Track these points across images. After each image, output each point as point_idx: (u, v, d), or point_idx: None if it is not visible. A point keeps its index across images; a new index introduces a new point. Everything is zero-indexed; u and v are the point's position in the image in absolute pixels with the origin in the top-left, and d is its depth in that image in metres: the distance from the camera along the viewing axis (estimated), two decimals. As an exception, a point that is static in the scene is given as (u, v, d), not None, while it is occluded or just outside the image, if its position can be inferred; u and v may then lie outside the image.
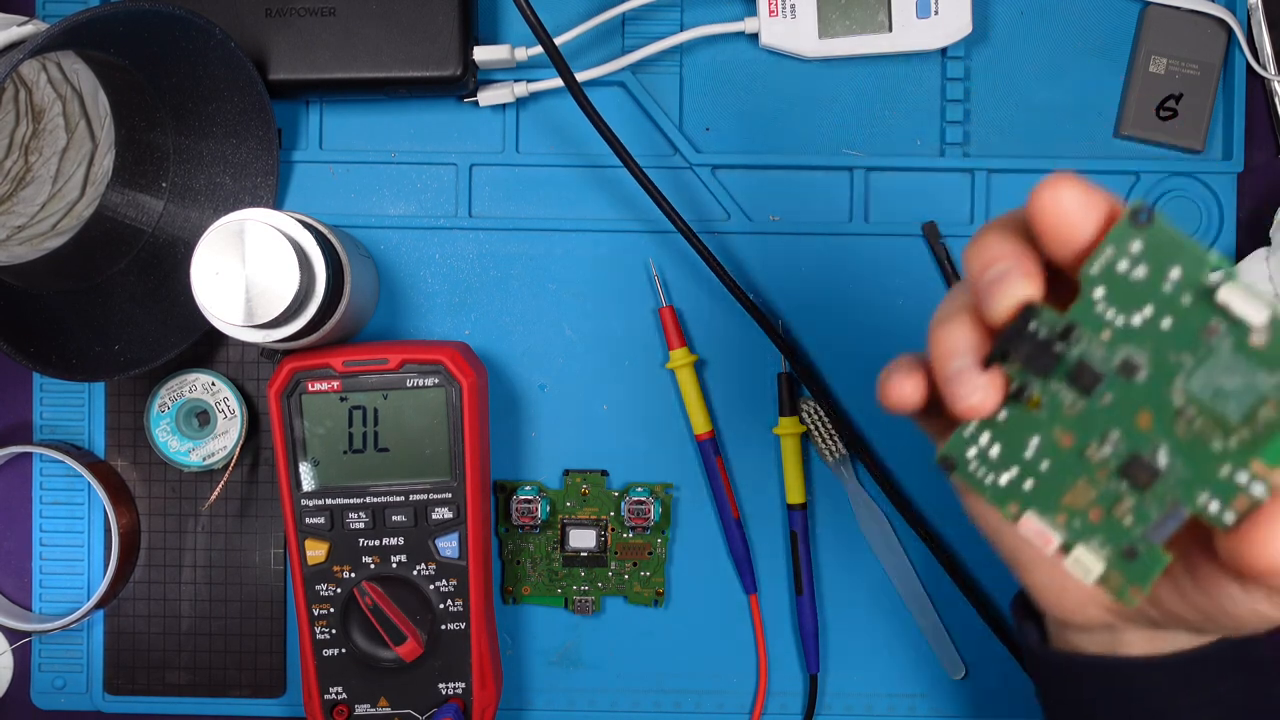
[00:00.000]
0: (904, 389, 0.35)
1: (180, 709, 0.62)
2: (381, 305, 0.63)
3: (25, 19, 0.54)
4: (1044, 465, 0.34)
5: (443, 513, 0.56)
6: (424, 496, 0.56)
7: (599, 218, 0.62)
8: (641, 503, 0.60)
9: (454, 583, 0.56)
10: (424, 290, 0.62)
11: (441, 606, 0.57)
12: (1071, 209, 0.31)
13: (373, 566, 0.56)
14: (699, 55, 0.62)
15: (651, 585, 0.62)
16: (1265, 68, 0.60)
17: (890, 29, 0.60)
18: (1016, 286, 0.32)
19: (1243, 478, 0.31)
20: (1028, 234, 0.34)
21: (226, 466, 0.61)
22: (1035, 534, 0.34)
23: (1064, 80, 0.62)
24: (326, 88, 0.59)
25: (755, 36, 0.61)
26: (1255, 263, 0.57)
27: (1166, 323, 0.31)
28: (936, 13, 0.59)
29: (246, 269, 0.51)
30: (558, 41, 0.58)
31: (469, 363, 0.57)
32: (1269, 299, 0.30)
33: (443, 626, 0.57)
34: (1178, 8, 0.60)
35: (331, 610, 0.57)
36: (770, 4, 0.60)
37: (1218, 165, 0.61)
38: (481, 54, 0.59)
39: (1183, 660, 0.39)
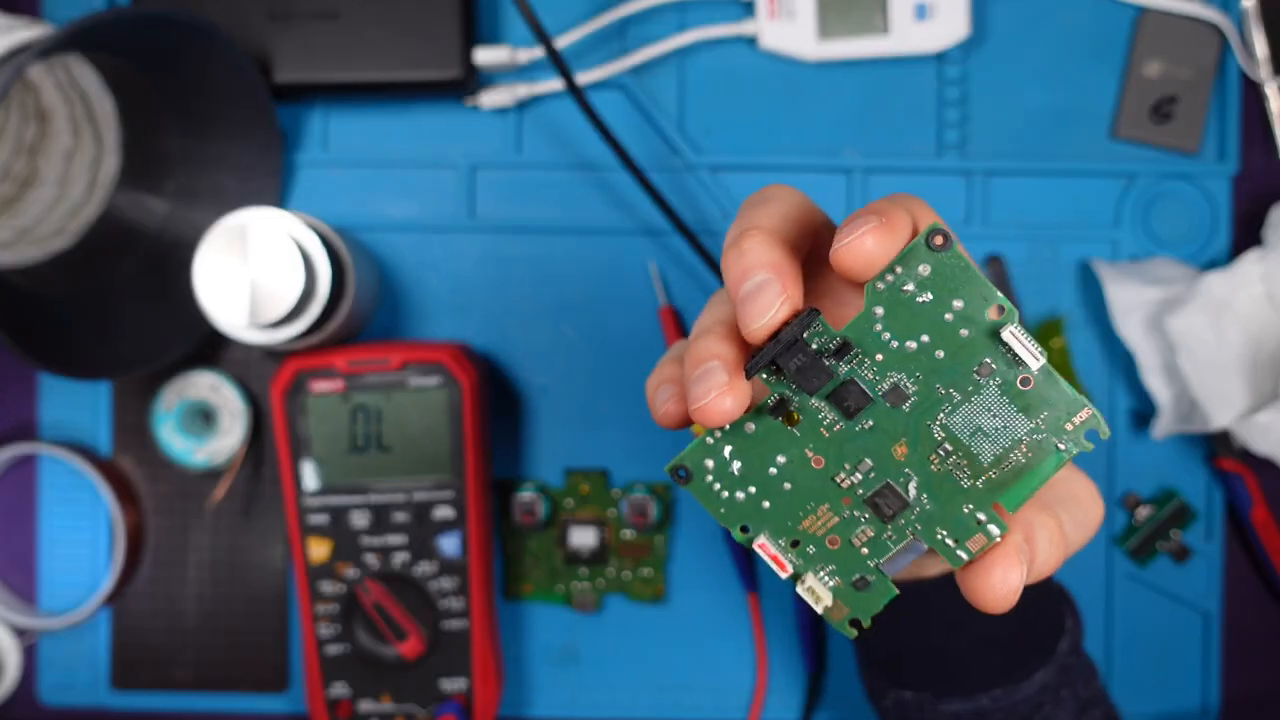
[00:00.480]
0: (669, 408, 0.33)
1: (185, 704, 0.63)
2: (384, 306, 0.63)
3: (30, 22, 0.55)
4: (786, 486, 0.32)
5: (444, 511, 0.57)
6: (426, 495, 0.57)
7: (600, 219, 0.62)
8: (642, 502, 0.61)
9: (455, 580, 0.57)
10: (426, 291, 0.63)
11: (443, 604, 0.57)
12: (875, 254, 0.30)
13: (375, 564, 0.57)
14: (699, 58, 0.62)
15: (652, 583, 0.62)
16: (1258, 71, 0.61)
17: (888, 32, 0.60)
18: (776, 302, 0.30)
19: (982, 516, 0.31)
20: (788, 234, 0.33)
21: (230, 466, 0.62)
22: (769, 558, 0.33)
23: (1060, 83, 0.62)
24: (329, 90, 0.60)
25: (755, 39, 0.61)
26: (1249, 264, 0.58)
27: (941, 354, 0.30)
28: (934, 16, 0.60)
29: (250, 270, 0.52)
30: (558, 44, 0.59)
31: (471, 362, 0.57)
32: (1043, 351, 0.30)
33: (444, 624, 0.57)
34: (1172, 11, 0.61)
35: (335, 608, 0.57)
36: (770, 7, 0.60)
37: (1212, 167, 0.61)
38: (483, 56, 0.59)
39: None
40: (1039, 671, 0.45)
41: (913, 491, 0.31)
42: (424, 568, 0.57)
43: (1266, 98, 0.61)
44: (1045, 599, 0.46)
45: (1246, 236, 0.62)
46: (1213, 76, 0.61)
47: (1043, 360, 0.30)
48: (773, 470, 0.32)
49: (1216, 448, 0.61)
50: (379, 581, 0.57)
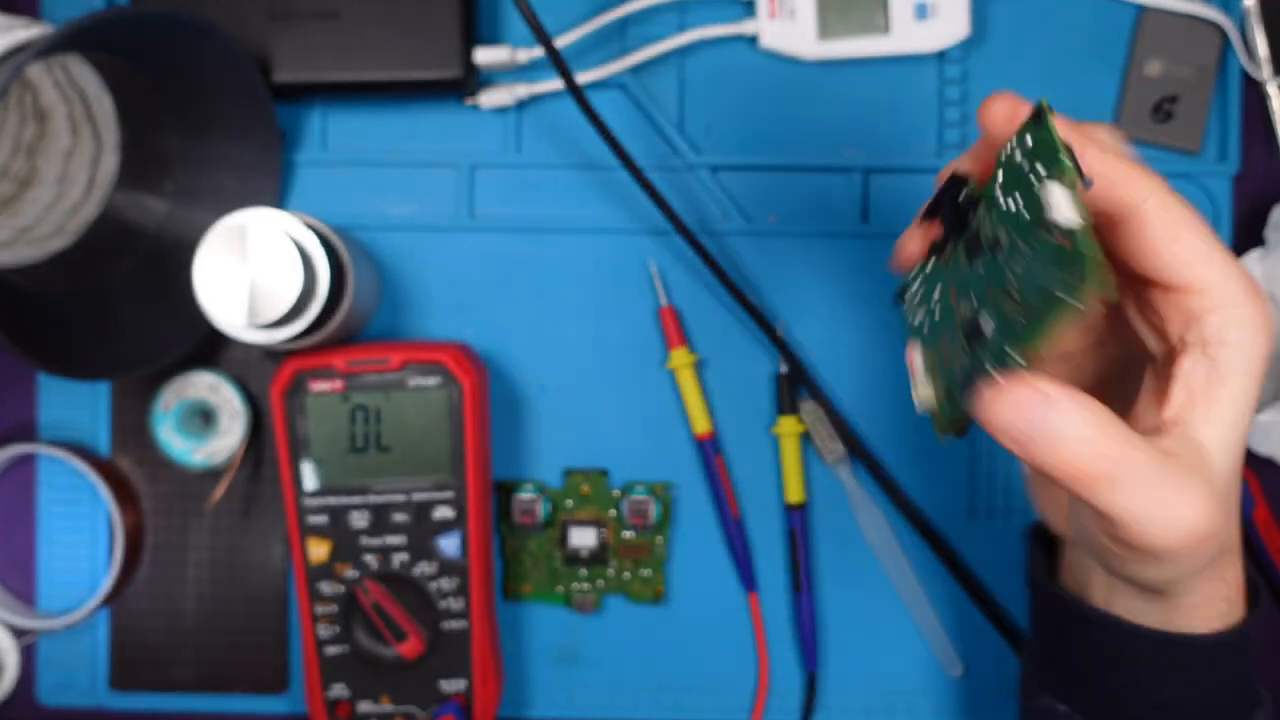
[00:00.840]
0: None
1: (184, 705, 0.63)
2: (383, 306, 0.63)
3: (29, 21, 0.55)
4: (938, 312, 0.39)
5: (444, 512, 0.57)
6: (425, 495, 0.57)
7: (599, 219, 0.62)
8: (641, 502, 0.61)
9: (455, 581, 0.57)
10: (425, 291, 0.63)
11: (443, 605, 0.57)
12: (1002, 117, 0.37)
13: (375, 565, 0.57)
14: (699, 57, 0.62)
15: (652, 584, 0.62)
16: (1260, 70, 0.61)
17: (888, 31, 0.60)
18: (956, 162, 0.39)
19: (1012, 351, 0.34)
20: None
21: (230, 466, 0.61)
22: (912, 363, 0.40)
23: (1060, 82, 0.62)
24: (329, 90, 0.60)
25: (755, 39, 0.61)
26: (1250, 264, 0.58)
27: (1024, 212, 0.34)
28: (935, 15, 0.60)
29: (249, 270, 0.52)
30: (558, 44, 0.59)
31: (470, 363, 0.57)
32: (1086, 217, 0.31)
33: (444, 625, 0.57)
34: (1173, 11, 0.60)
35: (334, 608, 0.57)
36: (770, 6, 0.60)
37: (1213, 167, 0.61)
38: (482, 56, 0.59)
39: (1191, 644, 0.40)
40: None
41: (988, 327, 0.35)
42: (424, 568, 0.57)
43: (1268, 97, 0.61)
44: (1241, 700, 0.43)
45: (1248, 236, 0.62)
46: (1214, 76, 0.61)
47: (1083, 221, 0.32)
48: (934, 300, 0.39)
49: (1218, 448, 0.61)
50: (378, 582, 0.57)
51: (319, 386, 0.56)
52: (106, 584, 0.61)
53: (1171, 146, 0.61)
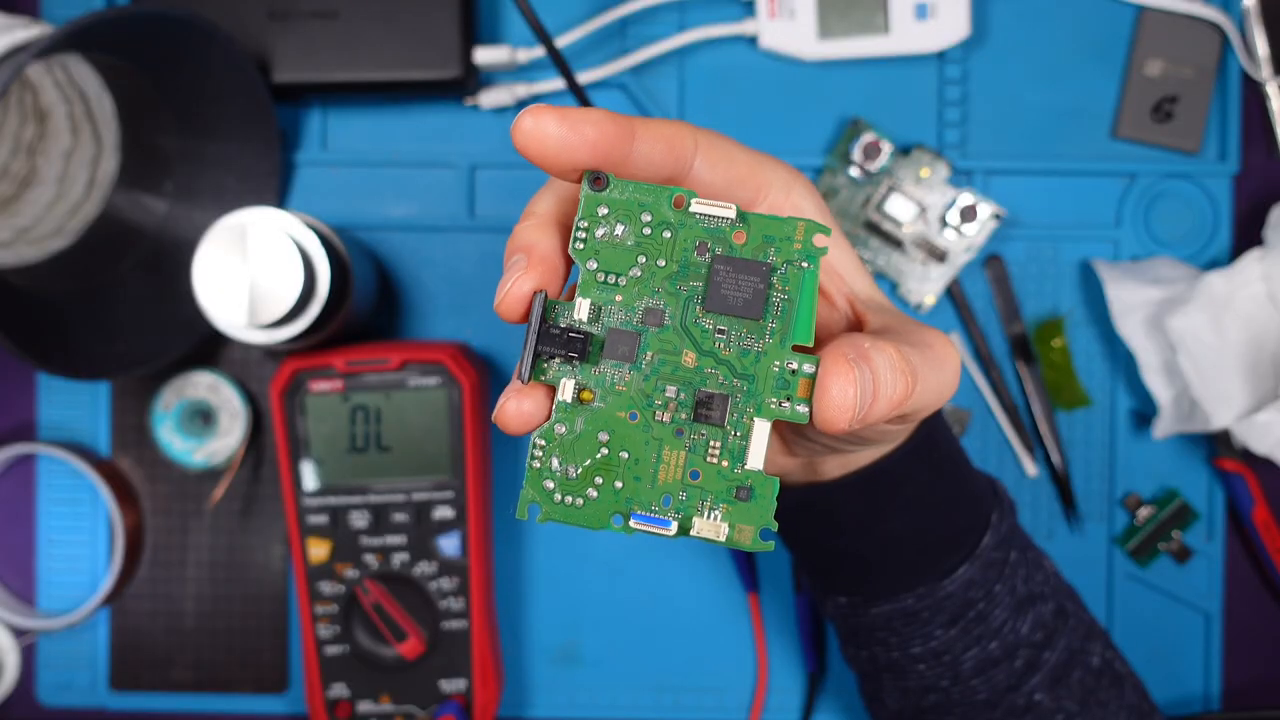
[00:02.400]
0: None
1: (184, 705, 0.63)
2: (383, 306, 0.63)
3: (29, 21, 0.55)
4: (624, 455, 0.32)
5: (444, 511, 0.57)
6: (425, 495, 0.57)
7: (599, 219, 0.62)
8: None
9: (455, 581, 0.57)
10: (426, 291, 0.63)
11: (443, 605, 0.57)
12: (548, 137, 0.31)
13: (375, 565, 0.57)
14: (699, 57, 0.62)
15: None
16: (1259, 70, 0.61)
17: (888, 31, 0.60)
18: (514, 289, 0.32)
19: (793, 366, 0.31)
20: (559, 220, 0.34)
21: (230, 466, 0.61)
22: (649, 527, 0.32)
23: (1060, 82, 0.62)
24: (329, 90, 0.60)
25: (755, 39, 0.61)
26: (1249, 263, 0.58)
27: (662, 261, 0.31)
28: (934, 15, 0.60)
29: (249, 270, 0.52)
30: (558, 43, 0.59)
31: (470, 363, 0.57)
32: (729, 204, 0.31)
33: (444, 624, 0.57)
34: (1173, 11, 0.60)
35: (334, 608, 0.57)
36: (770, 6, 0.60)
37: (1213, 167, 0.61)
38: (482, 56, 0.59)
39: (877, 469, 0.43)
40: (961, 568, 0.46)
41: (723, 384, 0.32)
42: (424, 568, 0.57)
43: (1268, 97, 0.61)
44: (959, 498, 0.46)
45: (1247, 236, 0.62)
46: (1214, 76, 0.61)
47: (733, 209, 0.31)
48: (603, 450, 0.32)
49: (1217, 448, 0.61)
50: (378, 582, 0.57)
51: (319, 386, 0.56)
52: (106, 584, 0.61)
53: (1171, 146, 0.61)
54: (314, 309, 0.54)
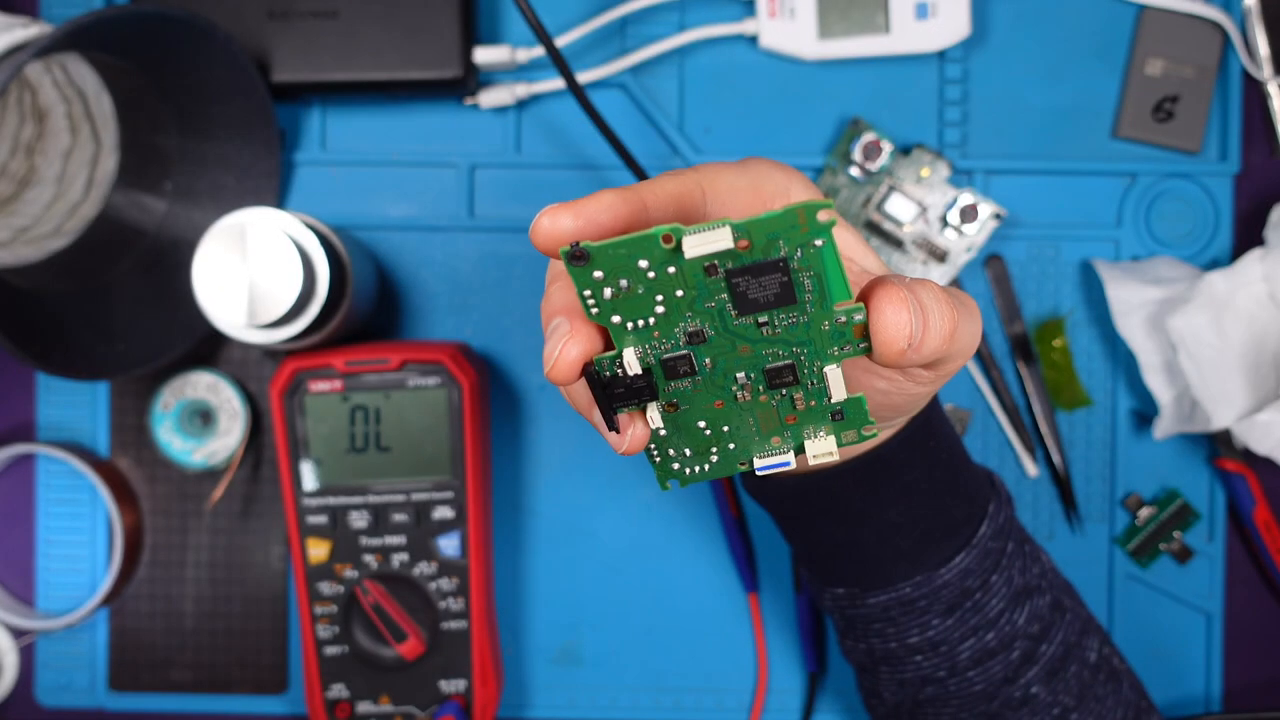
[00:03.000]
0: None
1: (183, 706, 0.63)
2: (383, 305, 0.63)
3: (28, 21, 0.55)
4: (725, 429, 0.35)
5: (444, 512, 0.56)
6: (425, 495, 0.56)
7: (599, 218, 0.62)
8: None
9: (455, 581, 0.57)
10: (425, 291, 0.63)
11: (443, 605, 0.57)
12: (564, 232, 0.33)
13: (374, 565, 0.57)
14: (699, 57, 0.62)
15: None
16: (1261, 70, 0.61)
17: (889, 31, 0.60)
18: (561, 357, 0.33)
19: (842, 319, 0.33)
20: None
21: (229, 466, 0.61)
22: (771, 469, 0.36)
23: (1061, 82, 0.62)
24: (329, 89, 0.59)
25: (755, 38, 0.61)
26: (1250, 263, 0.58)
27: (680, 294, 0.32)
28: (935, 15, 0.60)
29: (249, 270, 0.52)
30: (558, 43, 0.59)
31: (470, 363, 0.57)
32: (721, 222, 0.31)
33: (444, 625, 0.57)
34: (1174, 10, 0.60)
35: (334, 608, 0.57)
36: (770, 6, 0.60)
37: (1214, 167, 0.61)
38: (482, 56, 0.59)
39: (875, 457, 0.44)
40: (958, 557, 0.46)
41: (785, 357, 0.34)
42: (423, 568, 0.57)
43: (1268, 96, 0.61)
44: (956, 488, 0.47)
45: (1248, 236, 0.62)
46: (1215, 75, 0.61)
47: (728, 229, 0.31)
48: (708, 432, 0.35)
49: (1218, 448, 0.61)
50: (378, 582, 0.57)
51: (318, 386, 0.56)
52: (105, 584, 0.61)
53: (1172, 146, 0.61)
54: (313, 309, 0.54)
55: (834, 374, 0.34)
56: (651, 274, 0.32)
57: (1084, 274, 0.62)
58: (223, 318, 0.52)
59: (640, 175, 0.58)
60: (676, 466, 0.36)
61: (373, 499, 0.57)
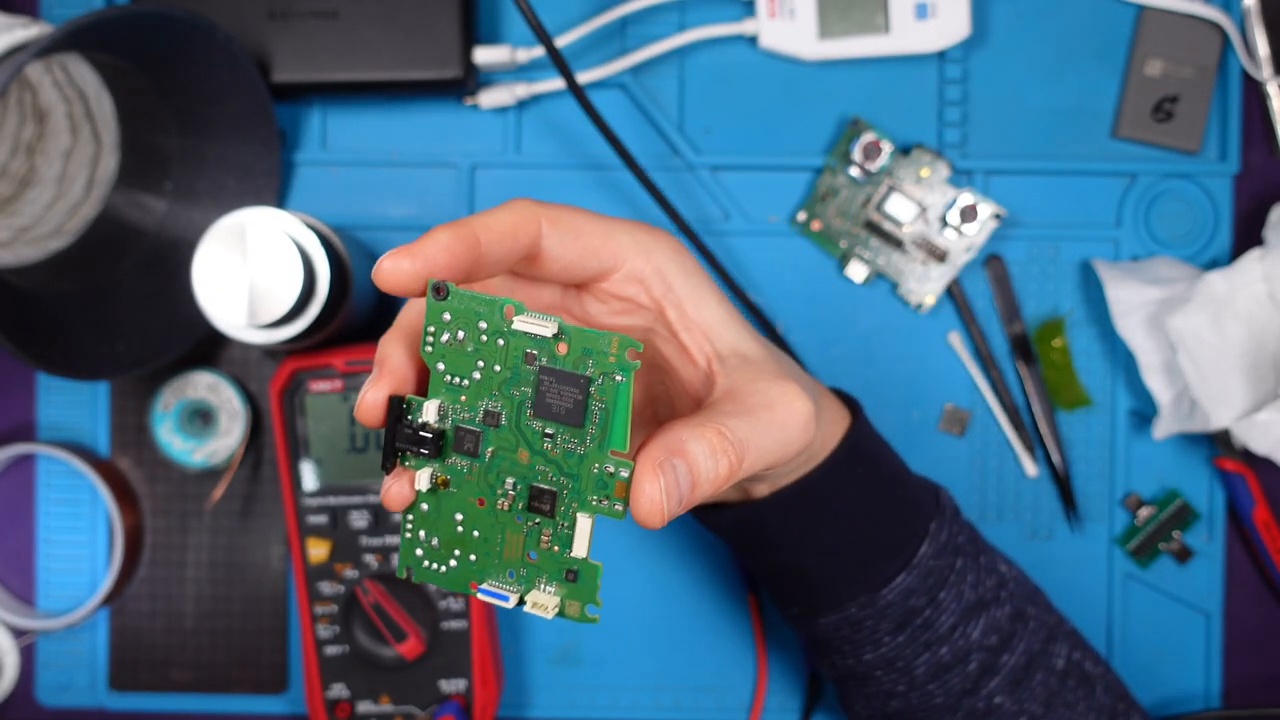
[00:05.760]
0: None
1: (184, 705, 0.63)
2: (383, 306, 0.63)
3: (29, 21, 0.55)
4: (476, 534, 0.36)
5: (444, 511, 0.56)
6: (425, 495, 0.56)
7: (599, 218, 0.62)
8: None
9: (455, 581, 0.57)
10: (425, 290, 0.63)
11: (443, 605, 0.57)
12: (404, 274, 0.35)
13: (375, 565, 0.57)
14: (699, 57, 0.62)
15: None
16: (1260, 70, 0.61)
17: (889, 31, 0.60)
18: (370, 395, 0.36)
19: (610, 469, 0.34)
20: (411, 331, 0.37)
21: (229, 466, 0.61)
22: (492, 599, 0.36)
23: (1061, 82, 0.62)
24: (329, 89, 0.59)
25: (755, 38, 0.61)
26: (1249, 263, 0.58)
27: (498, 367, 0.34)
28: (935, 15, 0.60)
29: (249, 270, 0.52)
30: (558, 43, 0.59)
31: (470, 363, 0.57)
32: (554, 318, 0.34)
33: (444, 625, 0.57)
34: (1174, 11, 0.60)
35: (334, 608, 0.57)
36: (770, 6, 0.60)
37: (1213, 167, 0.61)
38: (482, 56, 0.59)
39: (799, 488, 0.45)
40: (899, 578, 0.47)
41: (552, 481, 0.35)
42: (423, 568, 0.57)
43: (1268, 96, 0.61)
44: (894, 510, 0.48)
45: (1248, 236, 0.62)
46: (1214, 76, 0.61)
47: (555, 324, 0.34)
48: (459, 529, 0.36)
49: (1218, 448, 0.61)
50: (378, 582, 0.57)
51: (319, 386, 0.56)
52: (106, 584, 0.61)
53: (1172, 146, 0.61)
54: (314, 309, 0.54)
55: (583, 524, 0.35)
56: (484, 338, 0.34)
57: (1084, 274, 0.62)
58: (223, 318, 0.52)
59: (640, 175, 0.58)
60: (419, 553, 0.36)
61: (373, 499, 0.57)
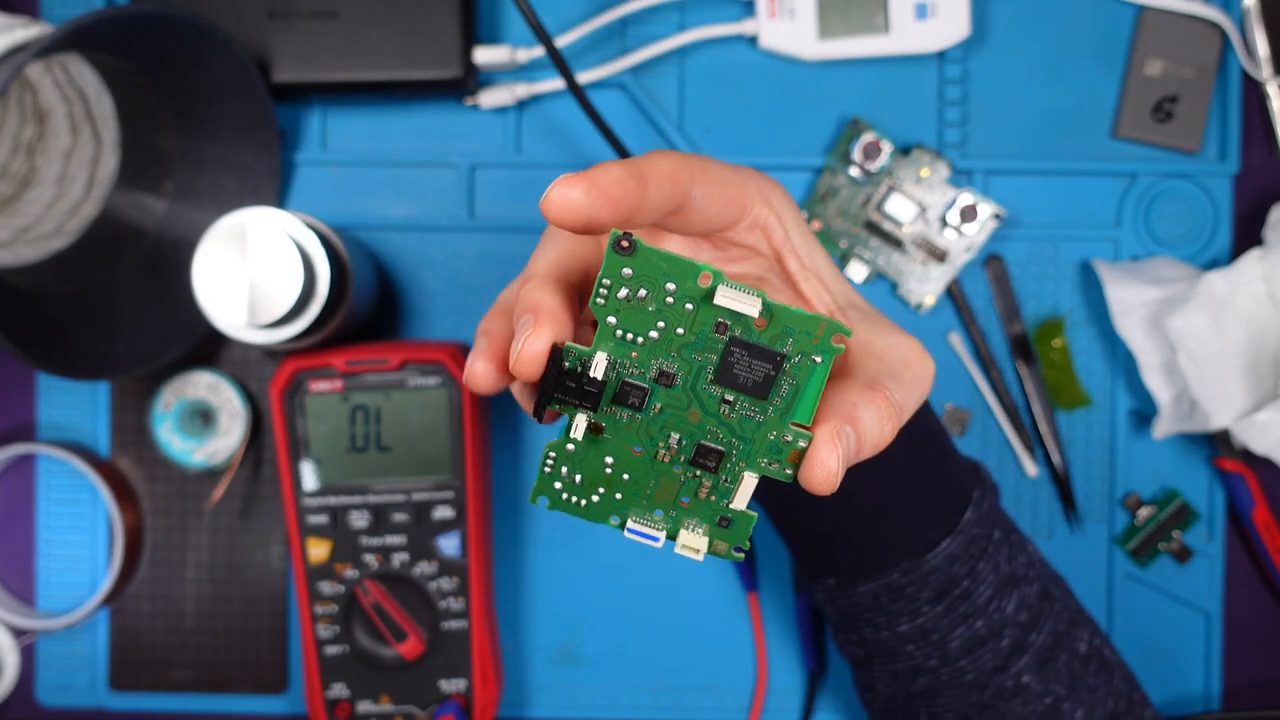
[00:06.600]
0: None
1: (184, 705, 0.63)
2: (383, 306, 0.63)
3: (29, 21, 0.55)
4: (625, 476, 0.36)
5: (444, 511, 0.56)
6: (425, 495, 0.56)
7: (599, 218, 0.62)
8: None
9: (455, 581, 0.57)
10: (426, 291, 0.63)
11: (443, 605, 0.57)
12: (574, 205, 0.33)
13: (375, 565, 0.57)
14: (699, 57, 0.62)
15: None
16: (1260, 70, 0.61)
17: (888, 31, 0.60)
18: (529, 344, 0.34)
19: (789, 437, 0.34)
20: (560, 273, 0.36)
21: (229, 466, 0.61)
22: (640, 537, 0.36)
23: (1061, 82, 0.62)
24: (329, 90, 0.59)
25: (755, 38, 0.61)
26: (1250, 263, 0.58)
27: (681, 330, 0.33)
28: (935, 15, 0.60)
29: (249, 270, 0.52)
30: (558, 43, 0.59)
31: (470, 363, 0.57)
32: (757, 292, 0.32)
33: (444, 624, 0.57)
34: (1173, 11, 0.60)
35: (334, 608, 0.57)
36: (770, 6, 0.60)
37: (1213, 167, 0.61)
38: (482, 56, 0.59)
39: None
40: (943, 543, 0.47)
41: (722, 441, 0.35)
42: (424, 568, 0.57)
43: (1268, 96, 0.61)
44: (941, 474, 0.47)
45: (1247, 236, 0.62)
46: (1214, 76, 0.61)
47: (759, 301, 0.32)
48: (608, 470, 0.36)
49: (1218, 448, 0.61)
50: (378, 582, 0.57)
51: (319, 386, 0.56)
52: (106, 584, 0.61)
53: (1171, 146, 0.61)
54: (314, 309, 0.54)
55: (749, 482, 0.35)
56: (670, 299, 0.33)
57: (1083, 274, 0.62)
58: (223, 318, 0.52)
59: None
60: (558, 486, 0.36)
61: (373, 499, 0.57)
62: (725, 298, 0.32)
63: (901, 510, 0.47)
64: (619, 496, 0.36)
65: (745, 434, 0.34)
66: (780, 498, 0.47)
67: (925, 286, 0.61)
